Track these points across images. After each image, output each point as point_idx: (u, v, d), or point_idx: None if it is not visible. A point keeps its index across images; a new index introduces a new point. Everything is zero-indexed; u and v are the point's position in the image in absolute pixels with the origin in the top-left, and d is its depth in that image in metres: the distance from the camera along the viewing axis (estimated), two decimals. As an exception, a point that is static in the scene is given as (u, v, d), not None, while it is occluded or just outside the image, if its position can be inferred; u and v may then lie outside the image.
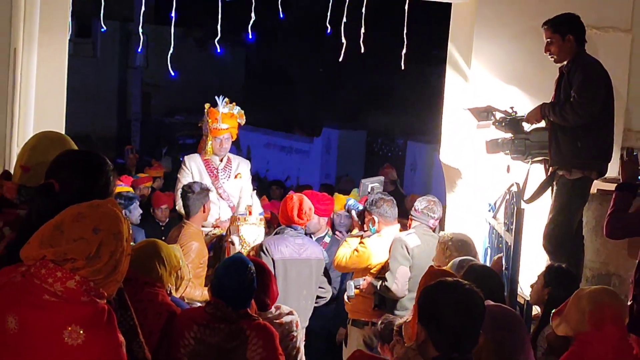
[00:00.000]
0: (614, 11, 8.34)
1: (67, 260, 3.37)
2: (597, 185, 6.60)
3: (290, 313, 6.20)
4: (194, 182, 8.28)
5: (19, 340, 3.35)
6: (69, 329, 3.32)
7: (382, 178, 10.31)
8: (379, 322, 7.25)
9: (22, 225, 3.87)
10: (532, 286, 6.09)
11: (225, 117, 8.75)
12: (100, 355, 3.38)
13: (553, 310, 5.28)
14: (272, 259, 7.45)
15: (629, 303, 5.75)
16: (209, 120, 8.77)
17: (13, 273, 3.45)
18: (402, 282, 7.59)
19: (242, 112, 8.92)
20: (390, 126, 20.36)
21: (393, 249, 7.73)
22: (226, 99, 8.85)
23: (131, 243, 5.72)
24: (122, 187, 9.87)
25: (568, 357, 4.92)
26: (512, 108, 7.45)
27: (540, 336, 5.57)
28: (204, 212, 8.00)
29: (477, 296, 3.58)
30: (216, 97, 8.82)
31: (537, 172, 7.43)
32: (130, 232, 3.75)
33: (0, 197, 4.37)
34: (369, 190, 9.39)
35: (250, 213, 8.24)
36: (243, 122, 9.02)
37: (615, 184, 6.18)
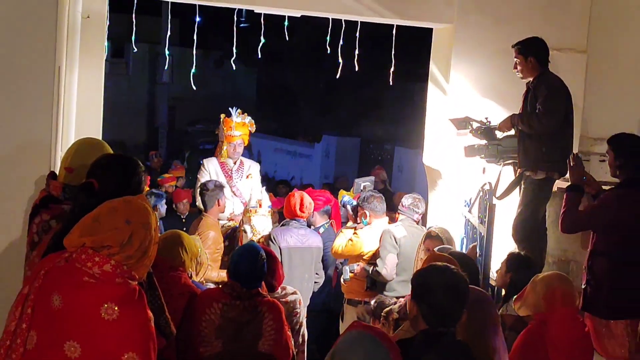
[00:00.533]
0: (572, 35, 8.33)
1: (104, 247, 3.39)
2: (558, 184, 6.58)
3: (294, 293, 6.21)
4: (209, 181, 8.27)
5: (63, 316, 3.37)
6: (105, 306, 3.34)
7: (373, 178, 10.28)
8: (372, 302, 7.24)
9: (66, 218, 3.85)
10: (497, 272, 6.08)
11: (238, 125, 8.73)
12: (132, 329, 3.40)
13: (515, 296, 5.30)
14: (279, 247, 7.48)
15: (583, 286, 5.73)
16: (224, 129, 8.74)
17: (58, 258, 3.47)
18: (391, 268, 7.57)
19: (253, 121, 8.89)
20: (380, 134, 20.42)
21: (383, 239, 7.73)
22: (239, 110, 8.81)
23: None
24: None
25: (526, 334, 4.90)
26: (486, 118, 7.44)
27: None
28: (218, 205, 7.99)
29: (462, 279, 3.57)
30: (230, 109, 8.80)
31: (507, 173, 7.41)
32: (158, 223, 3.75)
33: (47, 194, 4.35)
34: (362, 188, 9.38)
35: (260, 206, 8.24)
36: (253, 130, 8.98)
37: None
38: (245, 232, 7.87)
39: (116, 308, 3.35)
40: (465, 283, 3.57)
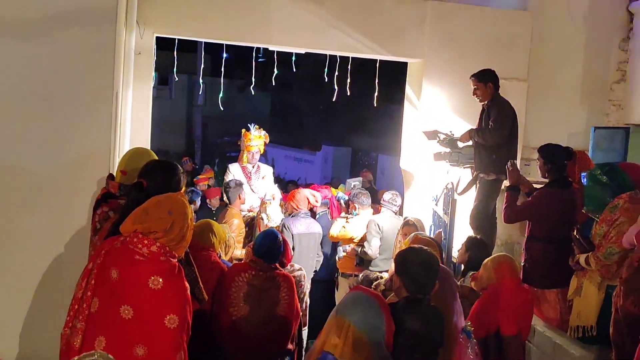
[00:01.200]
0: (516, 67, 8.36)
1: (151, 232, 3.46)
2: (505, 183, 6.60)
3: (300, 269, 6.29)
4: (231, 180, 8.31)
5: (119, 286, 3.45)
6: (152, 278, 3.41)
7: (361, 178, 10.31)
8: (360, 275, 7.27)
9: (122, 210, 3.90)
10: (458, 251, 6.11)
11: (255, 137, 8.77)
12: (172, 296, 3.48)
13: (471, 273, 5.32)
14: (292, 233, 7.49)
15: (522, 263, 5.76)
16: (244, 140, 8.78)
17: (115, 241, 3.55)
18: (375, 249, 7.61)
19: (267, 134, 8.92)
20: (366, 144, 20.37)
21: (369, 226, 7.75)
22: (256, 126, 8.85)
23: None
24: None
25: (481, 301, 4.92)
26: (450, 132, 7.47)
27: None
28: (239, 199, 8.02)
29: (435, 258, 3.67)
30: (249, 125, 8.83)
31: (466, 175, 7.45)
32: (193, 214, 3.80)
33: (106, 191, 4.40)
34: (352, 186, 9.44)
35: (273, 198, 8.28)
36: (267, 141, 8.98)
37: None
38: (262, 219, 7.90)
39: (160, 280, 3.42)
40: (436, 260, 3.68)
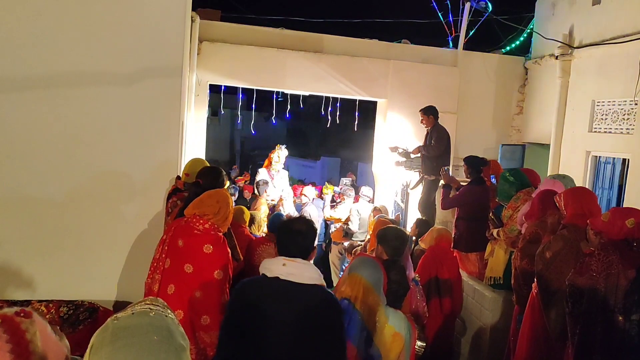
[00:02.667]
0: (449, 104, 8.37)
1: (205, 215, 3.44)
2: (441, 183, 6.59)
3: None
4: (260, 179, 8.30)
5: (183, 250, 3.44)
6: (206, 245, 3.41)
7: (350, 179, 10.32)
8: (345, 243, 7.25)
9: (185, 200, 3.90)
10: (411, 227, 6.10)
11: (282, 152, 8.71)
12: (219, 258, 3.46)
13: (420, 239, 5.33)
14: (310, 215, 7.55)
15: (453, 235, 5.75)
16: (276, 153, 8.69)
17: (181, 221, 3.56)
18: (356, 226, 7.61)
19: (286, 149, 8.88)
20: (350, 156, 20.45)
21: (352, 211, 7.77)
22: (283, 145, 8.82)
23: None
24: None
25: (424, 259, 4.95)
26: (406, 147, 7.50)
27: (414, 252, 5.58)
28: (265, 192, 8.01)
29: (404, 232, 3.72)
30: (282, 145, 8.80)
31: (415, 177, 7.45)
32: (233, 202, 3.78)
33: (175, 187, 4.39)
34: (344, 183, 9.47)
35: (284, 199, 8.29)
36: (287, 154, 8.95)
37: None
38: (280, 209, 7.89)
39: (211, 247, 3.41)
40: (406, 235, 3.73)
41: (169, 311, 1.47)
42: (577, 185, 4.42)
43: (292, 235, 2.65)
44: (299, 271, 2.53)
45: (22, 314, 1.31)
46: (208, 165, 4.63)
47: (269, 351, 2.40)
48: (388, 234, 3.56)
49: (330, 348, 2.42)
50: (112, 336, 1.33)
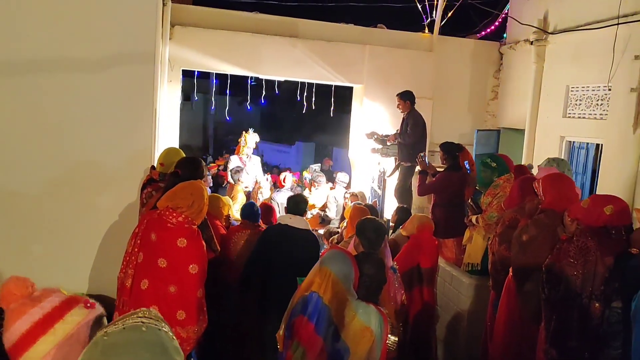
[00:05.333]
0: (425, 90, 8.36)
1: (178, 207, 3.36)
2: (417, 169, 6.60)
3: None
4: (234, 167, 8.22)
5: (157, 244, 3.36)
6: (179, 239, 3.33)
7: (319, 164, 10.32)
8: (322, 230, 7.24)
9: (162, 191, 3.82)
10: (392, 215, 6.09)
11: (250, 137, 8.62)
12: (193, 251, 3.38)
13: (401, 227, 5.34)
14: (277, 203, 7.42)
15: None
16: (243, 138, 8.63)
17: (154, 213, 3.45)
18: (333, 212, 7.60)
19: (257, 134, 8.78)
20: (326, 141, 20.36)
21: (329, 199, 7.77)
22: (251, 129, 8.72)
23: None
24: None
25: (406, 247, 4.93)
26: (382, 134, 7.49)
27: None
28: (239, 180, 7.94)
29: (382, 224, 3.66)
30: (249, 129, 8.71)
31: (392, 163, 7.46)
32: (208, 194, 3.70)
33: (150, 177, 4.30)
34: (313, 170, 9.44)
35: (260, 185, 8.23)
36: (258, 140, 8.86)
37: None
38: (258, 197, 7.83)
39: (185, 240, 3.33)
40: (383, 227, 3.68)
41: (163, 324, 1.40)
42: (571, 168, 4.47)
43: (295, 203, 4.56)
44: (297, 222, 4.41)
45: (88, 304, 1.47)
46: (183, 155, 4.54)
47: (278, 261, 3.78)
48: (366, 227, 3.52)
49: (309, 262, 3.29)
50: (102, 354, 1.28)
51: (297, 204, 4.54)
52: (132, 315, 1.38)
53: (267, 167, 12.79)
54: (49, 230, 4.35)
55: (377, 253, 3.41)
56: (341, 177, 8.21)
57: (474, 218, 5.09)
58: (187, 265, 3.32)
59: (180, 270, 3.31)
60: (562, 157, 6.82)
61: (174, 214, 3.38)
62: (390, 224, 6.05)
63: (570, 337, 3.11)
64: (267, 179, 8.74)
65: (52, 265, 4.32)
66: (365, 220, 3.68)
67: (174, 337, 1.38)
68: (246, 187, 8.10)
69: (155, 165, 4.46)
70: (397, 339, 3.12)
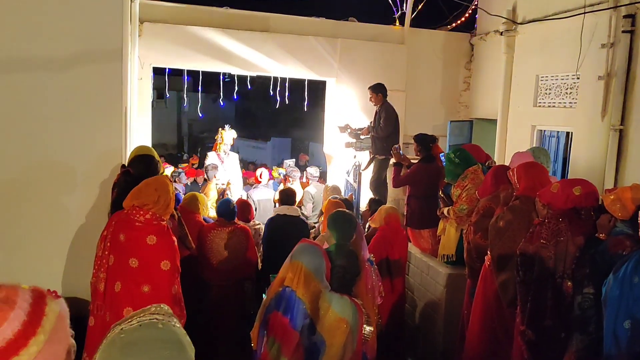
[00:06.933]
0: (397, 81, 8.37)
1: (145, 205, 3.31)
2: (392, 161, 6.61)
3: (258, 224, 6.15)
4: (209, 164, 8.16)
5: (126, 245, 3.29)
6: (149, 237, 3.27)
7: (294, 160, 10.28)
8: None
9: (117, 192, 3.82)
10: (365, 206, 6.10)
11: (227, 134, 8.55)
12: (164, 248, 3.33)
13: (370, 219, 5.36)
14: (253, 200, 7.36)
15: (404, 213, 5.80)
16: (220, 135, 8.57)
17: (121, 214, 3.40)
18: (309, 210, 7.60)
19: (234, 131, 8.72)
20: (301, 136, 20.38)
21: (305, 196, 7.79)
22: (228, 126, 8.65)
23: (182, 194, 5.60)
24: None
25: (376, 238, 4.96)
26: (356, 127, 7.50)
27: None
28: (215, 177, 7.87)
29: (353, 217, 3.61)
30: (225, 125, 8.64)
31: (366, 156, 7.46)
32: (174, 189, 3.65)
33: (121, 176, 4.22)
34: (288, 165, 9.42)
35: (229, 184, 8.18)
36: (236, 136, 8.80)
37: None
38: (228, 193, 7.78)
39: (155, 237, 3.27)
40: (354, 219, 3.64)
41: (175, 320, 1.39)
42: (549, 154, 4.52)
43: (288, 196, 5.52)
44: (292, 212, 5.44)
45: (53, 293, 1.38)
46: (153, 151, 4.46)
47: (288, 248, 3.29)
48: (336, 219, 3.52)
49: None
50: (120, 353, 1.26)
51: (289, 196, 5.57)
52: (145, 312, 1.37)
53: (243, 164, 12.73)
54: (13, 234, 4.24)
55: (349, 245, 3.40)
56: (311, 171, 8.22)
57: (445, 210, 5.12)
58: (158, 263, 3.26)
59: (151, 268, 3.26)
60: (537, 146, 6.91)
61: (141, 212, 3.31)
62: (364, 215, 6.06)
63: (545, 316, 3.17)
64: (238, 176, 8.69)
65: (21, 271, 4.21)
66: (336, 212, 3.68)
67: (186, 334, 1.37)
68: (222, 184, 8.04)
69: (125, 164, 4.37)
70: (372, 329, 3.11)
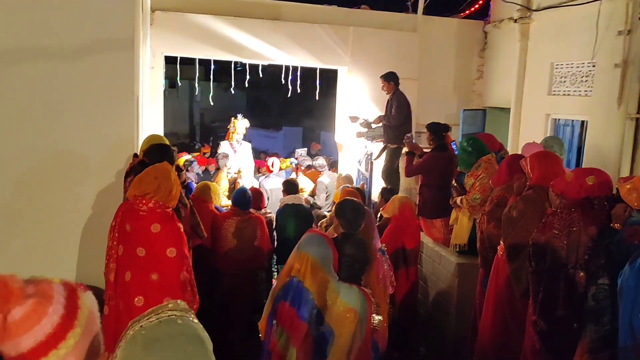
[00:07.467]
0: (409, 70, 8.30)
1: (146, 193, 3.30)
2: (404, 150, 6.58)
3: (270, 213, 6.20)
4: (220, 153, 8.19)
5: (132, 234, 3.30)
6: (153, 225, 3.26)
7: (306, 149, 10.28)
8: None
9: (132, 181, 3.76)
10: (378, 196, 6.09)
11: (239, 123, 8.55)
12: (169, 235, 3.32)
13: (382, 208, 5.35)
14: (265, 189, 7.37)
15: (417, 202, 5.78)
16: (233, 124, 8.57)
17: (127, 204, 3.42)
18: (322, 200, 7.59)
19: (247, 120, 8.71)
20: (313, 125, 20.31)
21: (318, 186, 7.80)
22: (240, 115, 8.66)
23: (194, 183, 5.61)
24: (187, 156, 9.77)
25: (390, 227, 4.95)
26: (367, 118, 7.48)
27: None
28: (225, 166, 7.88)
29: (361, 206, 3.58)
30: (238, 114, 8.65)
31: (378, 147, 7.43)
32: (176, 175, 3.62)
33: (133, 165, 4.21)
34: (300, 154, 9.41)
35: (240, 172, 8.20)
36: (248, 126, 8.80)
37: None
38: (239, 182, 7.79)
39: (158, 225, 3.26)
40: (363, 208, 3.60)
41: (192, 315, 1.41)
42: (563, 144, 4.48)
43: (292, 185, 5.98)
44: (298, 200, 5.82)
45: (82, 287, 1.43)
46: (165, 140, 4.47)
47: (290, 227, 4.24)
48: (344, 207, 3.50)
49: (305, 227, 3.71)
50: (143, 350, 1.27)
51: (294, 185, 6.13)
52: (163, 309, 1.39)
53: (255, 153, 12.78)
54: (28, 223, 4.27)
55: (357, 233, 3.37)
56: (320, 161, 8.22)
57: (458, 199, 5.09)
58: (164, 250, 3.26)
59: (158, 256, 3.25)
60: (548, 135, 6.84)
61: (144, 201, 3.30)
62: (377, 205, 6.06)
63: (557, 307, 3.15)
64: (250, 165, 8.71)
65: (35, 259, 4.25)
66: (344, 201, 3.67)
67: (204, 328, 1.39)
68: (234, 173, 8.06)
69: (137, 153, 4.39)
70: (381, 318, 3.11)
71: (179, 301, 1.45)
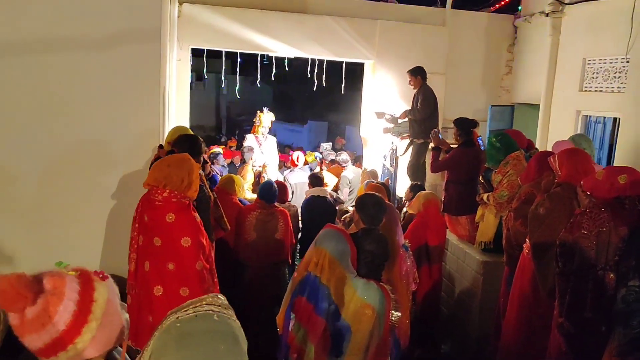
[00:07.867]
0: (437, 65, 8.23)
1: (159, 183, 3.32)
2: (430, 145, 6.51)
3: (294, 206, 6.20)
4: (245, 146, 8.21)
5: (149, 224, 3.31)
6: (167, 215, 3.26)
7: (331, 143, 10.26)
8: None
9: None
10: (405, 192, 6.03)
11: (265, 117, 8.57)
12: (184, 225, 3.32)
13: (407, 205, 5.29)
14: (290, 183, 7.37)
15: (442, 199, 5.71)
16: (258, 118, 8.59)
17: (146, 194, 3.43)
18: (345, 195, 7.55)
19: (272, 114, 8.72)
20: (338, 119, 20.29)
21: (342, 180, 7.76)
22: (266, 108, 8.67)
23: (219, 175, 5.63)
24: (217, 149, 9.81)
25: (414, 224, 4.91)
26: (393, 113, 7.43)
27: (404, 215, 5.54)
28: (251, 159, 7.90)
29: (383, 201, 3.49)
30: (264, 108, 8.66)
31: (404, 142, 7.36)
32: (199, 167, 3.61)
33: (158, 156, 4.25)
34: (324, 148, 9.39)
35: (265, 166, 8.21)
36: (274, 119, 8.81)
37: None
38: (264, 176, 7.80)
39: (173, 215, 3.25)
40: (384, 202, 3.52)
41: (231, 312, 1.38)
42: (592, 142, 4.38)
43: (317, 178, 6.28)
44: (322, 193, 6.11)
45: (100, 275, 1.43)
46: (190, 132, 4.50)
47: (314, 218, 4.34)
48: (365, 202, 3.44)
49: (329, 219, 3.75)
50: (176, 343, 1.25)
51: (320, 180, 6.43)
52: (202, 302, 1.35)
53: (280, 147, 12.84)
54: (57, 212, 4.35)
55: (378, 228, 3.33)
56: (343, 156, 8.19)
57: (485, 196, 5.01)
58: (179, 240, 3.26)
59: (173, 245, 3.26)
60: (578, 132, 6.70)
61: (159, 191, 3.30)
62: (404, 201, 6.00)
63: (584, 309, 3.06)
64: (275, 159, 8.73)
65: (61, 247, 4.32)
66: (365, 195, 3.61)
67: (240, 326, 1.36)
68: (259, 167, 8.08)
69: (163, 144, 4.42)
70: (400, 314, 3.07)
71: (219, 295, 1.42)
